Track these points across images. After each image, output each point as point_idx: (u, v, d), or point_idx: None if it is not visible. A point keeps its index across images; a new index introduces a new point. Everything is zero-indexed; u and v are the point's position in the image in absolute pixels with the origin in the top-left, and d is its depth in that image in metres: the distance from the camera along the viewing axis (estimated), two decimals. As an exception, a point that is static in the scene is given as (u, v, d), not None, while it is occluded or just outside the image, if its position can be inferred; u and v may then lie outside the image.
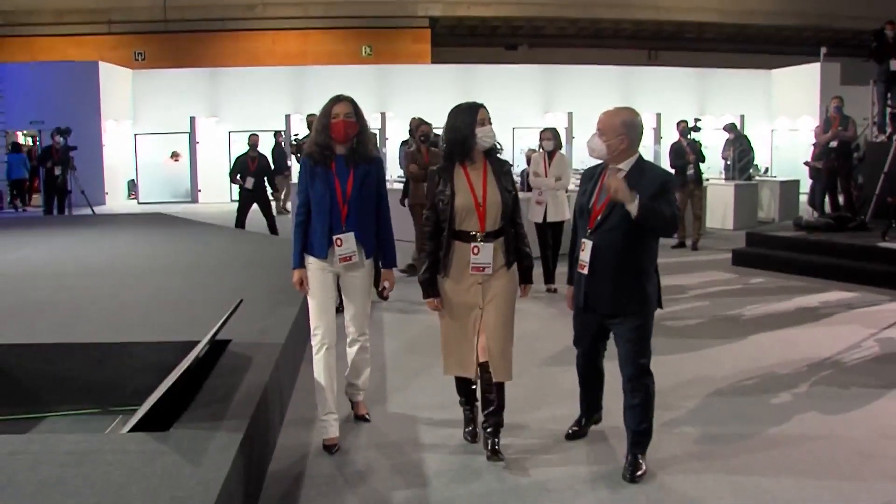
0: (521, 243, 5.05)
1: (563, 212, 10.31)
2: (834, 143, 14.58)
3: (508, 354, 4.96)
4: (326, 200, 5.13)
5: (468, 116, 4.90)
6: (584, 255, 4.71)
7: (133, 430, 4.07)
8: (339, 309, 5.47)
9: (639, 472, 4.67)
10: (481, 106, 4.93)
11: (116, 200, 24.53)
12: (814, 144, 15.68)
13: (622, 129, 4.62)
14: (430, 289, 5.03)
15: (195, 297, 7.64)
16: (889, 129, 14.79)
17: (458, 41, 34.46)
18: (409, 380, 6.67)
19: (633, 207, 4.43)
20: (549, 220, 10.22)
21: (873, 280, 10.46)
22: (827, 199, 15.16)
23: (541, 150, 10.50)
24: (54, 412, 5.50)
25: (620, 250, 4.60)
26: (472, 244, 4.87)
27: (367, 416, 5.65)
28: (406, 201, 11.01)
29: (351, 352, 5.49)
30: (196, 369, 4.78)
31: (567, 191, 10.51)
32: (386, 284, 5.60)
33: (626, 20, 33.45)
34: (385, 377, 6.72)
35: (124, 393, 5.58)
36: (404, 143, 14.18)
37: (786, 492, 4.44)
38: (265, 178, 13.83)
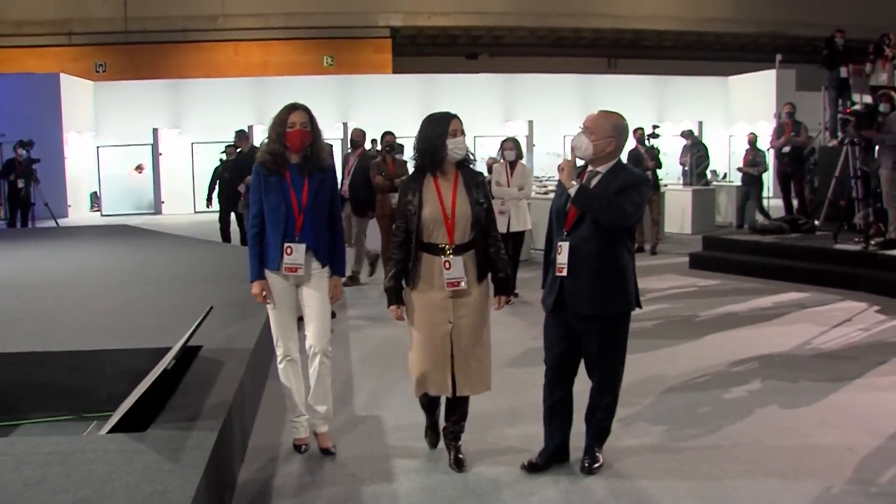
0: (496, 254, 4.94)
1: (525, 221, 10.42)
2: (787, 149, 14.94)
3: (485, 366, 4.96)
4: (282, 210, 5.04)
5: (440, 127, 4.84)
6: (562, 258, 4.67)
7: (111, 431, 4.25)
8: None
9: (596, 465, 4.81)
10: (454, 117, 4.88)
11: (79, 213, 24.46)
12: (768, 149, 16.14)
13: (612, 131, 4.64)
14: (395, 296, 4.95)
15: (164, 306, 7.80)
16: (840, 135, 15.18)
17: (419, 51, 34.73)
18: (375, 386, 6.75)
19: (571, 191, 4.55)
20: (511, 229, 10.13)
21: (825, 280, 10.79)
22: (782, 202, 15.56)
23: (502, 159, 10.51)
24: (29, 419, 5.63)
25: (597, 250, 4.59)
26: (443, 258, 4.79)
27: (332, 449, 5.27)
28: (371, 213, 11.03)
29: (312, 371, 5.23)
30: (170, 373, 4.93)
31: (528, 200, 10.66)
32: (333, 293, 5.33)
33: (585, 28, 33.82)
34: (352, 384, 6.82)
35: (98, 399, 5.71)
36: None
37: (735, 482, 4.68)
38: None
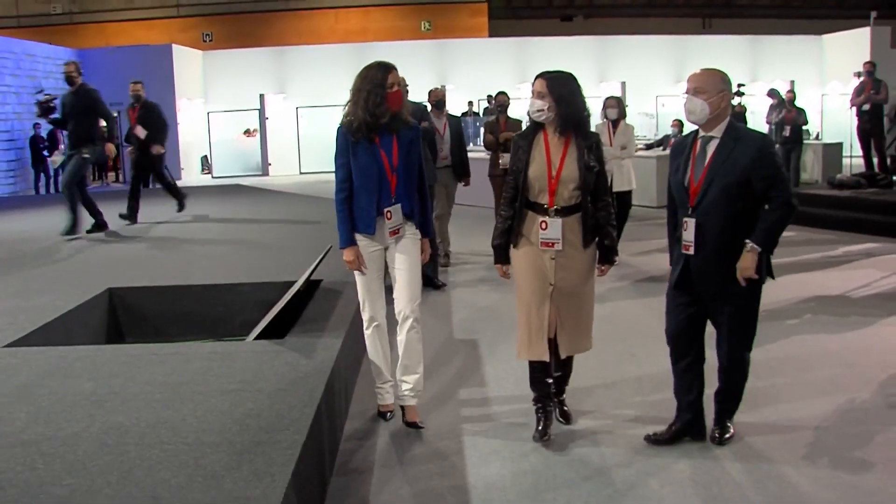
0: (605, 221, 4.80)
1: (630, 181, 10.25)
2: (867, 106, 15.30)
3: (586, 326, 4.93)
4: (374, 172, 4.88)
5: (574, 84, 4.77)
6: (689, 235, 4.44)
7: (257, 338, 5.24)
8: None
9: (727, 435, 4.66)
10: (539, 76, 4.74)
11: (191, 175, 25.78)
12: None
13: (723, 85, 4.41)
14: (502, 254, 4.90)
15: (284, 248, 8.82)
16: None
17: (514, 14, 35.17)
18: (468, 357, 6.52)
19: (751, 257, 4.29)
20: (615, 189, 9.57)
21: (896, 232, 11.32)
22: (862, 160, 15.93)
23: (604, 118, 10.33)
24: (176, 342, 6.67)
25: (726, 226, 4.35)
26: (541, 219, 4.74)
27: (419, 424, 5.07)
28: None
29: (402, 337, 5.03)
30: (300, 297, 5.89)
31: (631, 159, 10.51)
32: (424, 255, 5.19)
33: (680, -12, 33.96)
34: (446, 354, 6.61)
35: (234, 325, 6.75)
36: (464, 114, 14.50)
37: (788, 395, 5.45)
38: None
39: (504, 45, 28.52)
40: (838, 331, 6.90)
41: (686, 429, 4.68)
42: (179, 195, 12.45)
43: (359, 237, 4.96)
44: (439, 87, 10.32)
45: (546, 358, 4.80)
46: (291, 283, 6.03)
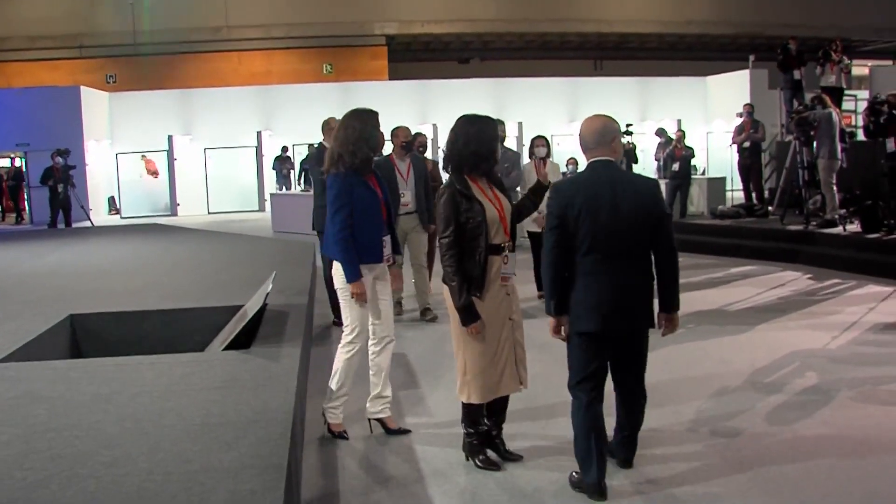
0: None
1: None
2: (747, 144, 16.90)
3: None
4: (376, 205, 5.47)
5: (493, 129, 5.02)
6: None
7: (225, 349, 6.06)
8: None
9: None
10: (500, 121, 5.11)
11: (99, 216, 25.96)
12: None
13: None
14: (474, 312, 4.81)
15: (223, 278, 9.57)
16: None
17: (413, 57, 36.48)
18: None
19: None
20: (530, 230, 9.98)
21: (771, 256, 12.75)
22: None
23: (534, 156, 10.27)
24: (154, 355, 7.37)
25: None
26: (504, 254, 4.87)
27: (404, 427, 5.70)
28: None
29: (383, 359, 5.58)
30: (254, 318, 6.71)
31: None
32: (397, 283, 5.84)
33: (571, 33, 35.47)
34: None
35: (190, 346, 7.46)
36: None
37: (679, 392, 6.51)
38: None
39: (404, 87, 29.64)
40: (716, 336, 8.10)
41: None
42: None
43: (362, 268, 5.39)
44: (401, 126, 9.58)
45: (517, 387, 4.95)
46: (240, 307, 6.85)
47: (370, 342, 5.60)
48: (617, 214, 4.41)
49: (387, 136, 6.62)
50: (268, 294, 6.71)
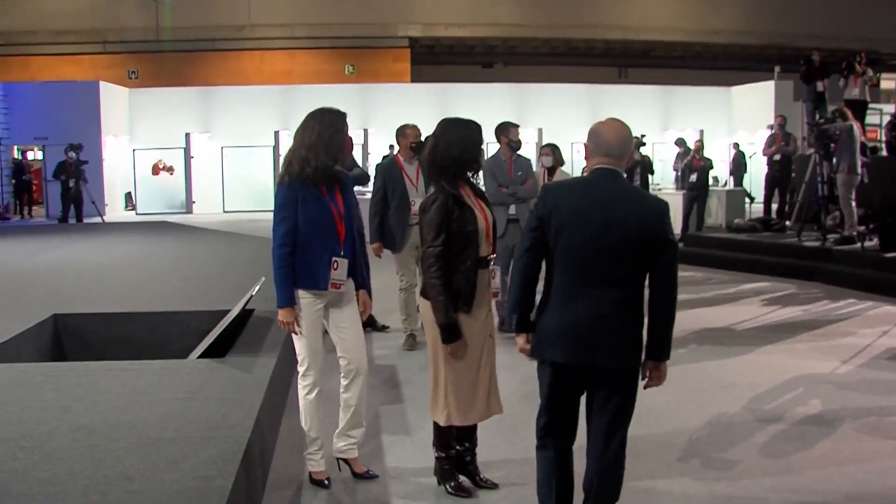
0: None
1: None
2: (777, 157, 16.57)
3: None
4: (327, 222, 4.71)
5: (477, 134, 4.71)
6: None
7: (200, 357, 5.84)
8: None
9: None
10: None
11: (115, 211, 26.03)
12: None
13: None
14: (457, 331, 4.46)
15: (215, 282, 9.38)
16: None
17: (436, 60, 36.20)
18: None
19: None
20: None
21: (786, 272, 12.33)
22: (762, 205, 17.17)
23: (540, 166, 9.87)
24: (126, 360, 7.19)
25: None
26: (490, 268, 4.61)
27: (372, 472, 5.01)
28: None
29: (352, 393, 4.86)
30: (234, 324, 6.50)
31: None
32: (363, 308, 5.01)
33: (597, 39, 35.10)
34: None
35: (173, 350, 7.28)
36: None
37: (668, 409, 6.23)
38: None
39: (426, 90, 29.44)
40: (718, 357, 7.79)
41: None
42: None
43: (303, 294, 4.73)
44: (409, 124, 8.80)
45: (487, 415, 4.62)
46: (226, 312, 6.63)
47: (341, 376, 4.89)
48: (606, 234, 3.71)
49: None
50: (250, 299, 6.50)
